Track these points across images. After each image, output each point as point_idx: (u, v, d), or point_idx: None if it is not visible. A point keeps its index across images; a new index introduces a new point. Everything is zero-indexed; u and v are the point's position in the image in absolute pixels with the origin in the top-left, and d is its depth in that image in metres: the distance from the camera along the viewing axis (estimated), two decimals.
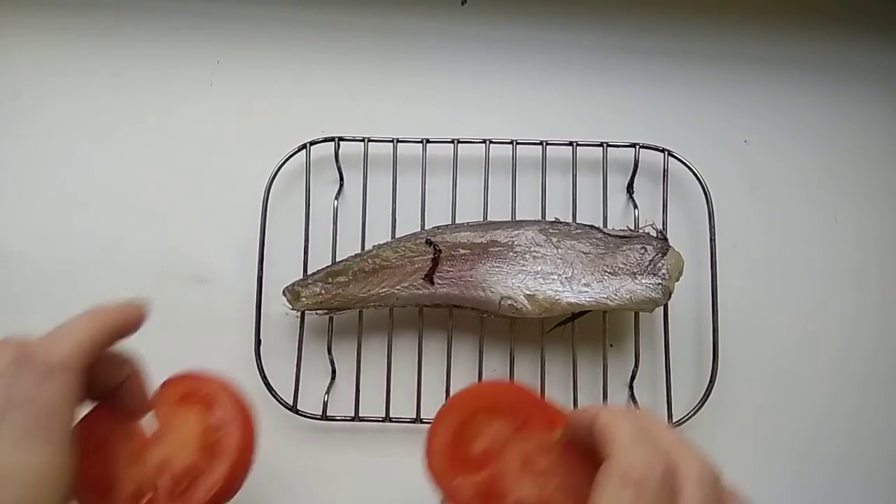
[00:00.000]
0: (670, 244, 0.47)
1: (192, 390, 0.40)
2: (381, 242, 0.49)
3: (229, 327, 0.51)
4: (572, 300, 0.46)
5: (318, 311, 0.49)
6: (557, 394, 0.50)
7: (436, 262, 0.47)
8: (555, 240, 0.47)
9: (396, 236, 0.49)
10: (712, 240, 0.49)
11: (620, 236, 0.47)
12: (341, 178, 0.52)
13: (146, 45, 0.56)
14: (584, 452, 0.33)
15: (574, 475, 0.35)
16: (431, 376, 0.50)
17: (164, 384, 0.40)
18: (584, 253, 0.47)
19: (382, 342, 0.50)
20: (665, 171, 0.50)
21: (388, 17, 0.55)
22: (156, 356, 0.52)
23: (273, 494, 0.50)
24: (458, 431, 0.37)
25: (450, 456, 0.37)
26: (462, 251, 0.47)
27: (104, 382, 0.35)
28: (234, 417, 0.38)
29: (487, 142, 0.51)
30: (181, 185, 0.54)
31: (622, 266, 0.46)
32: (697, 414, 0.48)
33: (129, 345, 0.52)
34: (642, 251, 0.46)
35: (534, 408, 0.38)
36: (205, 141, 0.54)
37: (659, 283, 0.45)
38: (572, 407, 0.48)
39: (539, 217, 0.50)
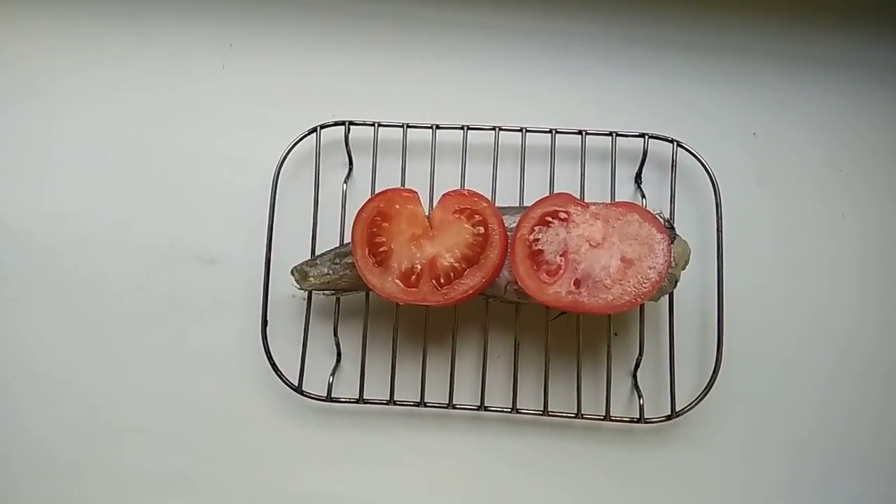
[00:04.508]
0: (677, 233, 0.47)
1: (468, 206, 0.47)
2: None
3: (236, 308, 0.52)
4: None
5: (326, 292, 0.49)
6: (561, 381, 0.50)
7: None
8: None
9: None
10: (719, 231, 0.49)
11: None
12: (350, 162, 0.52)
13: (159, 26, 0.56)
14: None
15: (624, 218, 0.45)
16: (436, 360, 0.50)
17: (445, 195, 0.47)
18: None
19: (388, 325, 0.50)
20: (673, 162, 0.50)
21: (400, 4, 0.56)
22: (163, 335, 0.53)
23: (276, 474, 0.51)
24: (530, 247, 0.45)
25: (533, 268, 0.45)
26: None
27: None
28: (498, 241, 0.45)
29: (497, 129, 0.51)
30: (191, 166, 0.54)
31: None
32: (700, 404, 0.48)
33: (132, 328, 0.53)
34: None
35: (566, 202, 0.46)
36: (216, 123, 0.55)
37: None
38: (575, 397, 0.49)
39: None
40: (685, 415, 0.48)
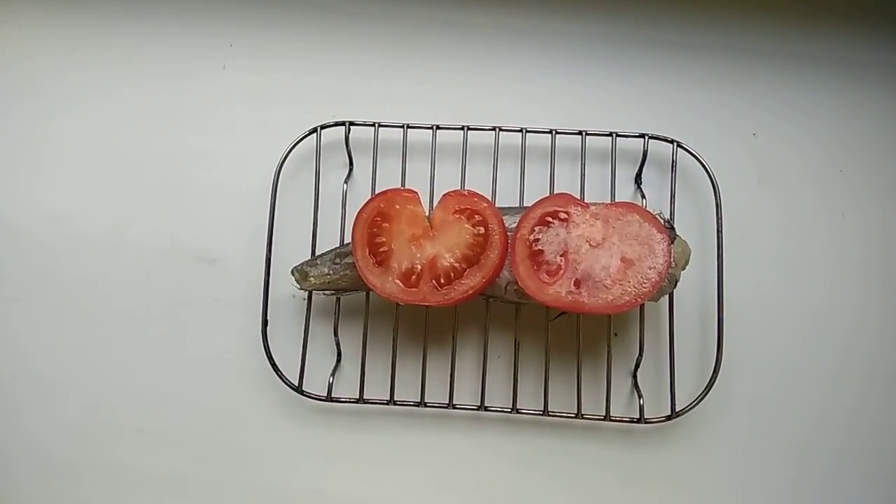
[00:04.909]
0: (677, 233, 0.47)
1: (468, 206, 0.47)
2: None
3: (237, 308, 0.52)
4: None
5: (326, 292, 0.49)
6: (561, 381, 0.50)
7: None
8: None
9: None
10: (719, 231, 0.49)
11: None
12: (351, 163, 0.52)
13: (160, 27, 0.56)
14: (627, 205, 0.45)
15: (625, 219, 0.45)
16: (436, 360, 0.50)
17: (445, 196, 0.47)
18: None
19: (388, 325, 0.50)
20: (673, 162, 0.50)
21: (401, 4, 0.56)
22: (163, 335, 0.53)
23: (276, 474, 0.51)
24: (530, 247, 0.45)
25: (533, 268, 0.45)
26: None
27: None
28: (498, 241, 0.45)
29: (497, 129, 0.51)
30: (192, 166, 0.54)
31: None
32: (700, 404, 0.48)
33: (132, 328, 0.53)
34: None
35: (566, 202, 0.46)
36: (216, 122, 0.55)
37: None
38: (575, 397, 0.49)
39: None
40: (685, 415, 0.48)
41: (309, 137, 0.51)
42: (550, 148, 0.51)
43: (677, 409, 0.48)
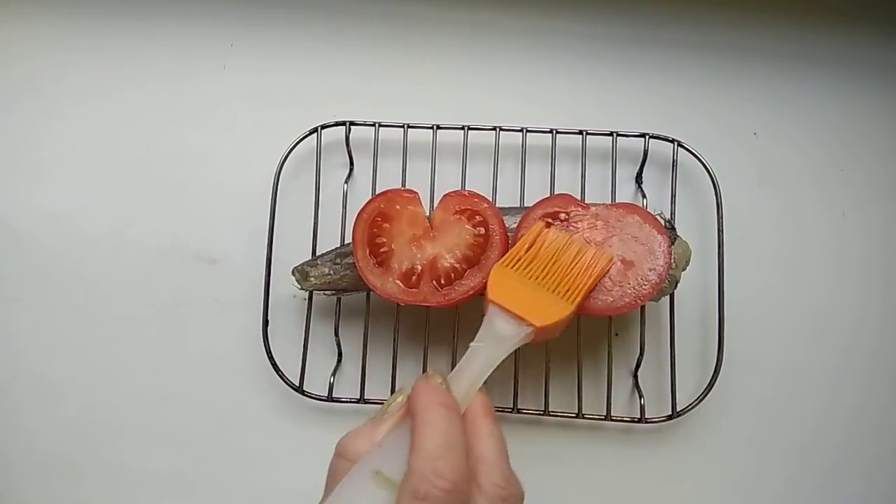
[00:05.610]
0: (678, 233, 0.47)
1: (468, 207, 0.47)
2: None
3: (238, 308, 0.52)
4: None
5: (326, 292, 0.49)
6: (561, 382, 0.50)
7: None
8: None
9: None
10: (720, 231, 0.49)
11: None
12: (351, 163, 0.52)
13: (160, 26, 0.56)
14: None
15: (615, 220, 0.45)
16: (437, 361, 0.50)
17: (446, 196, 0.47)
18: None
19: (389, 325, 0.50)
20: (674, 162, 0.50)
21: (401, 3, 0.56)
22: (164, 335, 0.53)
23: (277, 474, 0.51)
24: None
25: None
26: None
27: None
28: (498, 242, 0.45)
29: (497, 129, 0.51)
30: (193, 166, 0.54)
31: None
32: (701, 404, 0.48)
33: (132, 328, 0.52)
34: None
35: (566, 202, 0.46)
36: (217, 123, 0.55)
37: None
38: (576, 397, 0.49)
39: None
40: (686, 415, 0.48)
41: (309, 137, 0.51)
42: (551, 148, 0.51)
43: (678, 409, 0.48)
